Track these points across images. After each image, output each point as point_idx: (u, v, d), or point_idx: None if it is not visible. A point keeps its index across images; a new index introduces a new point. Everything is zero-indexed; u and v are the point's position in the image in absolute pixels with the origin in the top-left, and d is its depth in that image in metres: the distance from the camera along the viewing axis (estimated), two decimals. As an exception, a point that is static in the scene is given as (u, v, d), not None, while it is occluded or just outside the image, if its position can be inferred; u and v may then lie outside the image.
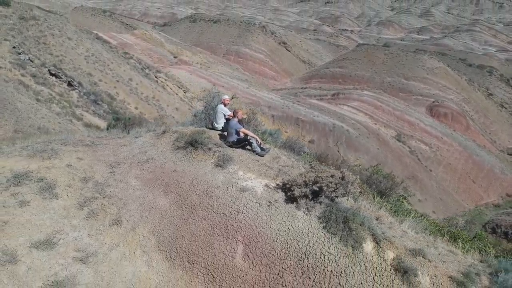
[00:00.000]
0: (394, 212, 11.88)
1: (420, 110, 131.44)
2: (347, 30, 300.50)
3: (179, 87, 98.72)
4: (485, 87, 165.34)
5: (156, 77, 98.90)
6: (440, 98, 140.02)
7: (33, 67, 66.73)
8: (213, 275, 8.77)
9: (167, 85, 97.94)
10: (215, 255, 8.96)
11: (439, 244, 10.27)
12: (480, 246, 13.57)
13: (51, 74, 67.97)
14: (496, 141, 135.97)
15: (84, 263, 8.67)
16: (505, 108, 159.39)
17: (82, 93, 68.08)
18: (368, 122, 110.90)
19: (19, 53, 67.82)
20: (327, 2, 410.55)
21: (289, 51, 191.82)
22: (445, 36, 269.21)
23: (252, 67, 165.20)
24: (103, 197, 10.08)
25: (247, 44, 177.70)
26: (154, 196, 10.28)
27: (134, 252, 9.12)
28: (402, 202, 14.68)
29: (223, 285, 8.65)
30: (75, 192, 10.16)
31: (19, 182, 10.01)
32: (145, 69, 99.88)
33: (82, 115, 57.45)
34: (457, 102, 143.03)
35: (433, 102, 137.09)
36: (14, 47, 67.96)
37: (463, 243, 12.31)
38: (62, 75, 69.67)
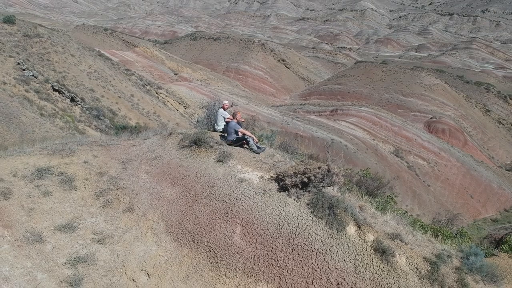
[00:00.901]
0: (381, 209, 13.02)
1: (418, 126, 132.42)
2: (346, 47, 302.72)
3: (180, 103, 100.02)
4: (483, 103, 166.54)
5: (157, 93, 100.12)
6: (438, 114, 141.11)
7: (37, 83, 67.61)
8: (214, 252, 10.06)
9: (168, 101, 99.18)
10: (216, 235, 10.25)
11: (417, 233, 11.49)
12: (461, 241, 14.68)
13: (55, 90, 68.70)
14: (494, 157, 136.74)
15: (101, 244, 9.92)
16: (503, 124, 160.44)
17: (84, 108, 68.91)
18: (366, 138, 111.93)
19: (23, 69, 68.68)
20: (326, 20, 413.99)
21: (288, 68, 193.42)
22: (443, 53, 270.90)
23: (251, 84, 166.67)
24: (117, 189, 11.38)
25: (247, 61, 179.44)
26: (162, 187, 11.56)
27: (145, 234, 10.40)
28: (390, 202, 15.81)
29: (223, 260, 9.95)
30: (92, 185, 11.46)
31: (42, 175, 11.30)
32: (146, 85, 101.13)
33: (85, 129, 58.59)
34: (455, 118, 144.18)
35: (431, 118, 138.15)
36: (18, 64, 68.90)
37: (443, 237, 13.45)
38: (65, 90, 70.51)
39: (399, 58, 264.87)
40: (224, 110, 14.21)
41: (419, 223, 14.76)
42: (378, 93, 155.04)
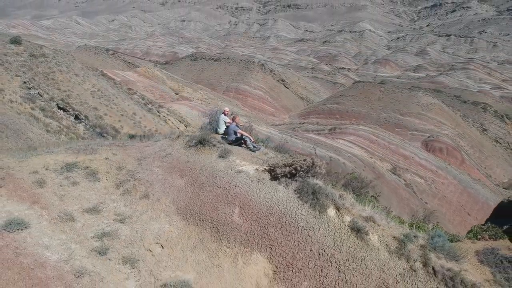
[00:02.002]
0: (362, 203, 14.97)
1: (416, 145, 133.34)
2: (344, 68, 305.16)
3: (180, 122, 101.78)
4: (480, 123, 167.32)
5: (158, 112, 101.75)
6: (435, 133, 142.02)
7: (42, 101, 69.11)
8: (217, 228, 12.14)
9: (169, 119, 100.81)
10: (218, 215, 12.32)
11: (390, 219, 13.49)
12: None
13: (59, 108, 70.05)
14: (491, 176, 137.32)
15: (122, 223, 11.95)
16: (500, 143, 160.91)
17: (88, 126, 70.36)
18: (364, 156, 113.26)
19: (29, 88, 70.06)
20: (325, 41, 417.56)
21: (288, 88, 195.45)
22: (441, 74, 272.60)
23: (251, 103, 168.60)
24: (134, 180, 13.47)
25: (247, 81, 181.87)
26: (173, 178, 13.63)
27: (159, 215, 12.44)
28: (373, 201, 17.72)
29: (224, 234, 12.04)
30: (112, 177, 13.55)
31: (70, 169, 13.38)
32: (148, 104, 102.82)
33: (89, 146, 60.05)
34: (452, 137, 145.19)
35: (429, 137, 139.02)
36: (24, 82, 70.33)
37: (417, 229, 15.35)
38: (69, 109, 71.91)
39: (397, 78, 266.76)
40: (225, 115, 16.50)
41: (396, 217, 16.65)
42: (376, 113, 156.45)
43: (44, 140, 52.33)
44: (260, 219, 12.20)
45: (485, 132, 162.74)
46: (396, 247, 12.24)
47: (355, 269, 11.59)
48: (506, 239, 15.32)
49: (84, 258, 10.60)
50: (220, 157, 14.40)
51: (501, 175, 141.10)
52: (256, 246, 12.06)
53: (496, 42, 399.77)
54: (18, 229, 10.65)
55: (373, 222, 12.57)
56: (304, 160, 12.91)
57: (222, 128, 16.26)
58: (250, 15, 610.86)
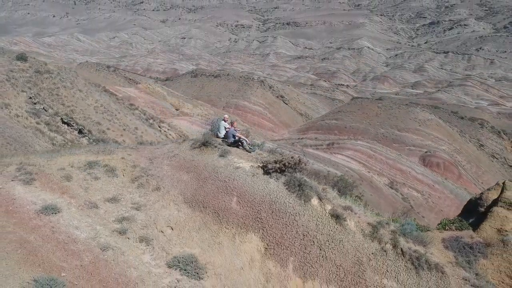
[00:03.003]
0: (345, 199, 17.19)
1: (413, 160, 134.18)
2: (343, 85, 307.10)
3: (181, 136, 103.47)
4: (477, 138, 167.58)
5: (159, 126, 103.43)
6: (433, 148, 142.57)
7: (47, 115, 70.70)
8: (218, 213, 14.44)
9: (170, 134, 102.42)
10: (219, 203, 14.63)
11: (367, 210, 15.75)
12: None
13: (64, 123, 71.41)
14: None
15: (138, 210, 14.20)
16: (497, 158, 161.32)
17: (91, 140, 71.78)
18: (361, 170, 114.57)
19: (35, 103, 71.54)
20: (324, 58, 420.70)
21: (287, 104, 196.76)
22: (438, 90, 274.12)
23: (251, 119, 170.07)
24: (147, 176, 15.77)
25: (246, 98, 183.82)
26: (180, 174, 15.91)
27: (169, 204, 14.71)
28: (356, 200, 19.92)
29: (224, 218, 14.39)
30: (128, 173, 15.83)
31: (92, 166, 15.65)
32: (149, 119, 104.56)
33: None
34: (449, 152, 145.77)
35: (426, 152, 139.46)
36: (30, 98, 71.80)
37: (392, 221, 17.49)
38: (73, 123, 73.34)
39: (396, 95, 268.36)
40: (225, 121, 18.81)
41: (375, 213, 18.82)
42: (374, 128, 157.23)
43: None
44: (254, 206, 14.52)
45: (482, 147, 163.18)
46: (370, 231, 14.52)
47: (334, 248, 13.87)
48: (470, 229, 17.50)
49: (107, 237, 12.83)
50: (220, 156, 16.70)
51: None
52: (251, 228, 14.38)
53: (493, 59, 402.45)
54: (52, 213, 12.90)
55: (351, 211, 14.87)
56: (292, 158, 15.24)
57: (222, 133, 18.58)
58: (249, 32, 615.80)
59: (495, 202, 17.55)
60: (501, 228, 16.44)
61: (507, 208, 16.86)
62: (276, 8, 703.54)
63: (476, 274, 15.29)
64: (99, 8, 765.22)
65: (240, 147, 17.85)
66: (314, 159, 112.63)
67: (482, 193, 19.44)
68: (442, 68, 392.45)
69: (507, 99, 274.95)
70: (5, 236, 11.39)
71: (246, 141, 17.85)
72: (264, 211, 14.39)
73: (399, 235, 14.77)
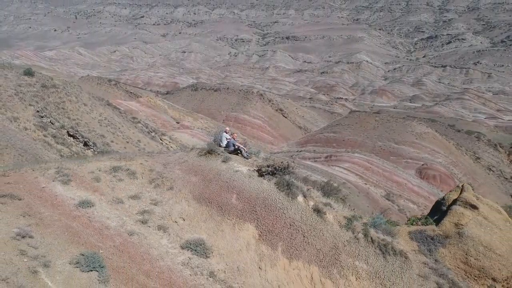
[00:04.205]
0: (327, 198, 20.37)
1: (410, 172, 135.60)
2: (342, 98, 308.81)
3: (182, 149, 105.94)
4: (473, 151, 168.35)
5: (161, 139, 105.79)
6: (429, 161, 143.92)
7: (53, 128, 72.85)
8: (221, 207, 17.69)
9: (171, 146, 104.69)
10: (222, 199, 17.91)
11: (345, 207, 18.96)
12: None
13: (69, 135, 73.30)
14: None
15: (156, 205, 17.43)
16: (492, 171, 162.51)
17: (96, 152, 74.05)
18: (358, 182, 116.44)
19: (42, 117, 73.50)
20: (323, 72, 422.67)
21: (286, 117, 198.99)
22: (436, 104, 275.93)
23: (250, 132, 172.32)
24: (162, 178, 19.02)
25: (246, 111, 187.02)
26: (189, 176, 19.17)
27: (181, 200, 17.96)
28: (338, 201, 23.04)
29: (226, 211, 17.64)
30: (146, 176, 19.09)
31: (116, 170, 18.91)
32: (151, 132, 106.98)
33: (99, 170, 64.56)
34: (446, 165, 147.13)
35: (422, 165, 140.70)
36: (37, 111, 73.85)
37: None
38: (79, 136, 75.36)
39: (394, 108, 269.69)
40: (226, 133, 22.11)
41: (355, 212, 22.01)
42: (372, 141, 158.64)
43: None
44: (250, 201, 17.81)
45: (478, 160, 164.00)
46: (345, 223, 17.79)
47: (315, 236, 17.11)
48: (433, 225, 20.67)
49: (132, 225, 16.07)
50: (223, 161, 19.99)
51: (493, 202, 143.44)
52: (247, 219, 17.63)
53: (491, 73, 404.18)
54: (87, 206, 16.13)
55: (330, 207, 18.16)
56: (281, 163, 18.48)
57: (224, 143, 21.82)
58: (249, 46, 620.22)
59: (454, 202, 20.74)
60: (458, 222, 19.62)
61: (464, 206, 20.04)
62: (275, 22, 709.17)
63: (436, 260, 18.47)
64: (100, 22, 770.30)
65: (239, 154, 21.12)
66: (312, 171, 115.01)
67: (445, 195, 22.58)
68: (440, 82, 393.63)
69: (504, 113, 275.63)
70: (54, 223, 14.56)
71: (244, 149, 21.20)
72: (258, 206, 17.67)
73: (370, 226, 18.06)
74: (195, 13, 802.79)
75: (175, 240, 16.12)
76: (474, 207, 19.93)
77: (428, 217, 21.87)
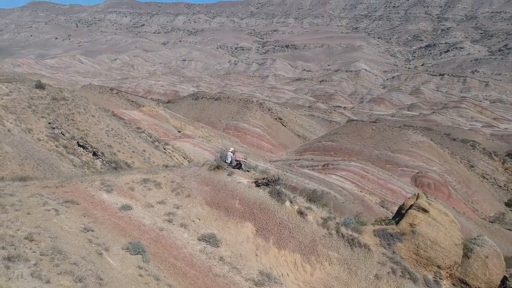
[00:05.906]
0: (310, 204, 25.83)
1: (405, 180, 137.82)
2: (341, 106, 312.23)
3: (184, 158, 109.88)
4: (468, 159, 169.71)
5: (164, 148, 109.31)
6: (424, 169, 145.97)
7: (64, 139, 75.61)
8: (227, 210, 23.21)
9: (174, 155, 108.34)
10: (228, 204, 23.44)
11: (323, 210, 24.45)
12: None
13: (79, 146, 75.55)
14: (478, 210, 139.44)
15: (178, 208, 22.89)
16: (487, 179, 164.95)
17: (104, 162, 77.02)
18: (354, 189, 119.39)
19: (53, 128, 76.12)
20: (322, 80, 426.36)
21: (285, 126, 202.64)
22: (433, 112, 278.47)
23: (250, 141, 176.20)
24: (181, 187, 24.41)
25: (246, 120, 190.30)
26: (202, 186, 24.63)
27: (196, 205, 23.46)
28: (320, 206, 28.47)
29: (231, 213, 23.19)
30: (169, 186, 24.49)
31: (146, 181, 24.37)
32: (155, 141, 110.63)
33: (108, 179, 68.91)
34: (440, 173, 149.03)
35: (417, 173, 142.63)
36: (49, 123, 76.77)
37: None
38: (88, 146, 78.02)
39: (392, 116, 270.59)
40: (231, 152, 27.55)
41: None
42: (368, 150, 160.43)
43: (73, 173, 61.92)
44: (249, 205, 23.28)
45: (472, 168, 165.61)
46: (322, 222, 23.37)
47: (299, 232, 22.65)
48: (394, 225, 26.17)
49: (161, 223, 21.50)
50: (228, 175, 25.35)
51: (487, 209, 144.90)
52: (247, 219, 23.11)
53: (488, 82, 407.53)
54: (128, 209, 21.54)
55: (311, 210, 23.70)
56: (273, 176, 23.94)
57: (229, 160, 27.12)
58: (249, 54, 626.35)
59: (411, 206, 26.18)
60: (412, 223, 25.11)
61: (417, 210, 25.50)
62: (275, 31, 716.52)
63: (393, 252, 23.95)
64: (101, 31, 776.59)
65: (241, 168, 26.46)
66: (310, 179, 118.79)
67: (404, 201, 28.01)
68: (438, 90, 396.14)
69: (500, 121, 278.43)
70: (105, 221, 19.97)
71: (245, 163, 26.56)
72: (255, 209, 23.09)
73: (341, 225, 23.65)
74: (195, 22, 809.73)
75: (194, 234, 21.44)
76: (425, 210, 25.38)
77: (390, 219, 27.38)
